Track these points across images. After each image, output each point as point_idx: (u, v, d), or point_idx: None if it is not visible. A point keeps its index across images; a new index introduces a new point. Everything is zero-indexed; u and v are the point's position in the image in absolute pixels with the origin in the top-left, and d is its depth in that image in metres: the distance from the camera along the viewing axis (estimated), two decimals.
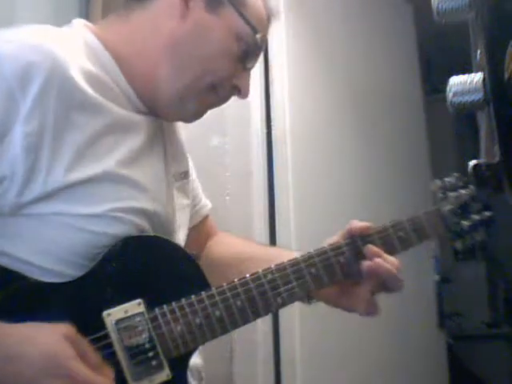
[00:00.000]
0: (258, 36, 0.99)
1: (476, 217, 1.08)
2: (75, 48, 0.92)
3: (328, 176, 2.20)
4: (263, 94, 2.02)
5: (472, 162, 0.97)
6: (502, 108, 0.86)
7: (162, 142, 1.03)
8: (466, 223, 1.07)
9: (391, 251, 1.02)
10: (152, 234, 0.93)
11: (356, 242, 1.02)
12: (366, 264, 0.99)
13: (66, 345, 0.76)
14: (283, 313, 1.83)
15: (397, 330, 2.30)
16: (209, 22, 0.97)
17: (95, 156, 0.87)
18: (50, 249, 0.86)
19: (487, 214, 1.08)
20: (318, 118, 2.23)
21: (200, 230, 1.19)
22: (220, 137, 1.87)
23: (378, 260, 0.99)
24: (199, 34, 0.96)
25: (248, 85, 1.02)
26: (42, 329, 0.77)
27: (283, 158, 2.01)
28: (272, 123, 2.03)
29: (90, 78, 0.89)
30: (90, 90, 0.88)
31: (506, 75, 0.84)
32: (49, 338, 0.76)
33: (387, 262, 0.99)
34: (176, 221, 1.02)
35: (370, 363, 2.16)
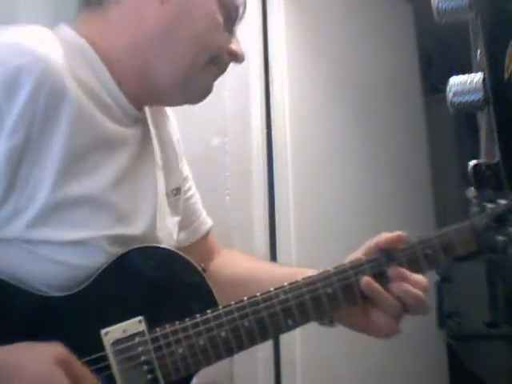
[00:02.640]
0: (240, 1, 0.97)
1: None
2: (68, 53, 0.86)
3: (328, 176, 2.20)
4: (263, 94, 2.02)
5: (472, 162, 0.97)
6: (502, 108, 0.86)
7: (153, 157, 0.98)
8: (500, 238, 0.96)
9: (417, 271, 0.93)
10: (157, 244, 0.88)
11: (379, 260, 0.92)
12: (374, 286, 0.91)
13: (57, 371, 0.72)
14: None
15: None
16: None
17: (77, 176, 0.82)
18: (21, 277, 0.80)
19: None
20: (318, 118, 2.23)
21: (199, 248, 1.12)
22: (220, 137, 1.87)
23: (401, 284, 0.91)
24: (184, 13, 0.93)
25: (241, 47, 0.99)
26: (33, 352, 0.73)
27: (283, 158, 2.01)
28: (272, 123, 2.03)
29: (83, 87, 0.84)
30: (82, 99, 0.83)
31: (506, 75, 0.84)
32: (40, 364, 0.72)
33: (413, 284, 0.91)
34: (163, 242, 0.95)
35: (370, 363, 2.16)
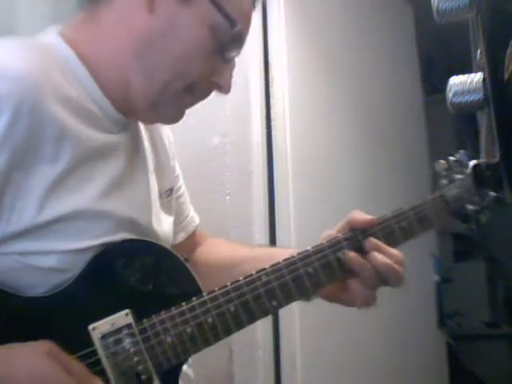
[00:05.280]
0: (237, 28, 0.89)
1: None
2: (51, 66, 0.84)
3: (328, 176, 2.20)
4: (263, 94, 2.02)
5: (472, 162, 0.97)
6: (502, 108, 0.86)
7: (145, 161, 0.98)
8: (471, 207, 1.00)
9: (393, 243, 0.96)
10: (139, 238, 0.88)
11: (356, 236, 0.95)
12: (359, 260, 0.93)
13: (49, 360, 0.73)
14: (283, 313, 1.83)
15: (397, 329, 2.30)
16: (180, 15, 0.87)
17: (67, 192, 0.81)
18: (4, 283, 0.80)
19: (493, 194, 0.99)
20: (318, 118, 2.23)
21: (186, 245, 1.14)
22: (220, 137, 1.87)
23: (375, 255, 0.93)
24: (169, 30, 0.87)
25: (229, 79, 0.93)
26: (23, 348, 0.75)
27: (283, 158, 2.01)
28: (272, 123, 2.03)
29: (67, 103, 0.83)
30: (65, 118, 0.82)
31: (506, 75, 0.84)
32: (31, 356, 0.74)
33: (389, 256, 0.93)
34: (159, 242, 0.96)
35: (370, 363, 2.16)
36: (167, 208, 1.04)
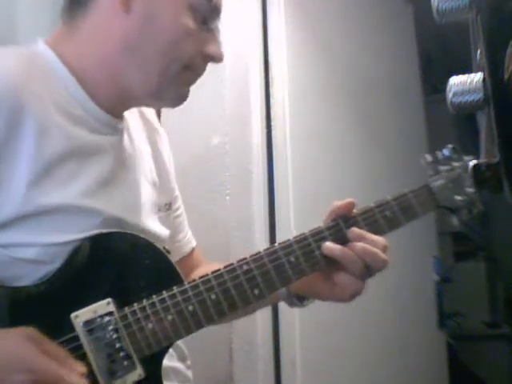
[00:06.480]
0: (214, 1, 0.93)
1: (470, 190, 1.01)
2: (36, 71, 0.88)
3: (328, 176, 2.20)
4: (263, 94, 2.02)
5: (472, 162, 0.97)
6: (502, 108, 0.86)
7: (135, 163, 0.99)
8: (459, 198, 1.01)
9: (378, 232, 0.97)
10: (120, 230, 0.90)
11: (338, 226, 0.97)
12: (339, 248, 0.93)
13: (28, 343, 0.74)
14: (283, 313, 1.83)
15: (397, 330, 2.30)
16: (156, 6, 0.90)
17: (51, 186, 0.84)
18: None
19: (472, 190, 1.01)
20: (318, 118, 2.23)
21: (182, 265, 1.12)
22: (220, 137, 1.87)
23: (359, 244, 0.93)
24: (150, 23, 0.90)
25: (219, 47, 0.96)
26: (4, 333, 0.75)
27: (283, 157, 2.01)
28: (272, 123, 2.02)
29: (51, 103, 0.86)
30: (48, 115, 0.85)
31: (506, 75, 0.84)
32: (11, 340, 0.74)
33: (370, 242, 0.94)
34: None
35: (370, 363, 2.16)
36: (165, 221, 1.05)
